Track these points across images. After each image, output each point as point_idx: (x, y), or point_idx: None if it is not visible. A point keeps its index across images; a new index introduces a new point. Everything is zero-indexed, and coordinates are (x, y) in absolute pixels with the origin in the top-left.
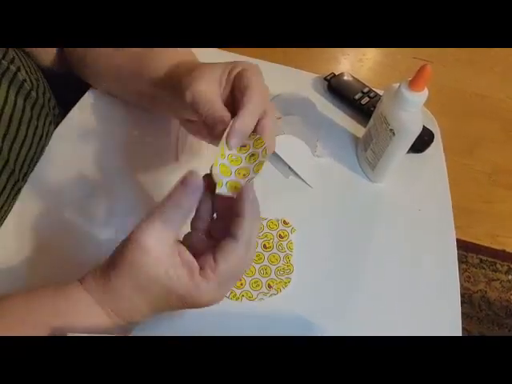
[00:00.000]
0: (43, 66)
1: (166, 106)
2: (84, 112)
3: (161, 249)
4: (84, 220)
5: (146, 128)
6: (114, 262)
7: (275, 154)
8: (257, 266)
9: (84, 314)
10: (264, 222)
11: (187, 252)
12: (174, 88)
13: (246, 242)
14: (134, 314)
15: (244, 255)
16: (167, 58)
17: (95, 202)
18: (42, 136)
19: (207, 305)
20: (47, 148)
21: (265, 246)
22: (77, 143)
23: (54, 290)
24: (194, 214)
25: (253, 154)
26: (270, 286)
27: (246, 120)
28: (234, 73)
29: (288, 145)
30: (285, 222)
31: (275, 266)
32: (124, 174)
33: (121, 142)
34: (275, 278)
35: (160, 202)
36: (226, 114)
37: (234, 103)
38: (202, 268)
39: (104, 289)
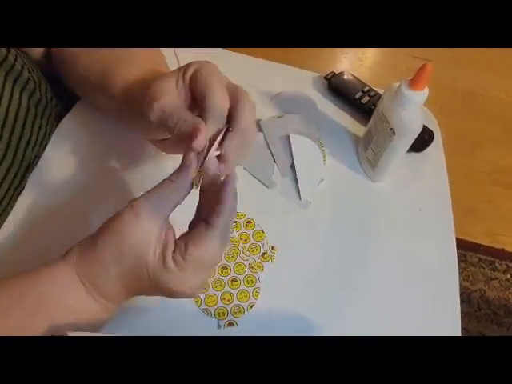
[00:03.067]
0: (36, 63)
1: (135, 125)
2: (84, 112)
3: (152, 224)
4: (84, 220)
5: None
6: (102, 230)
7: (282, 150)
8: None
9: (63, 289)
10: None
11: (172, 233)
12: (137, 107)
13: (221, 231)
14: (108, 288)
15: (217, 244)
16: (128, 73)
17: (95, 202)
18: (45, 135)
19: (176, 292)
20: (48, 146)
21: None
22: (77, 143)
23: (35, 271)
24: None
25: None
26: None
27: (210, 128)
28: (188, 76)
29: (301, 148)
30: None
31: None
32: (124, 174)
33: (121, 142)
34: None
35: (159, 182)
36: (197, 121)
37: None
38: (173, 252)
39: (87, 258)
